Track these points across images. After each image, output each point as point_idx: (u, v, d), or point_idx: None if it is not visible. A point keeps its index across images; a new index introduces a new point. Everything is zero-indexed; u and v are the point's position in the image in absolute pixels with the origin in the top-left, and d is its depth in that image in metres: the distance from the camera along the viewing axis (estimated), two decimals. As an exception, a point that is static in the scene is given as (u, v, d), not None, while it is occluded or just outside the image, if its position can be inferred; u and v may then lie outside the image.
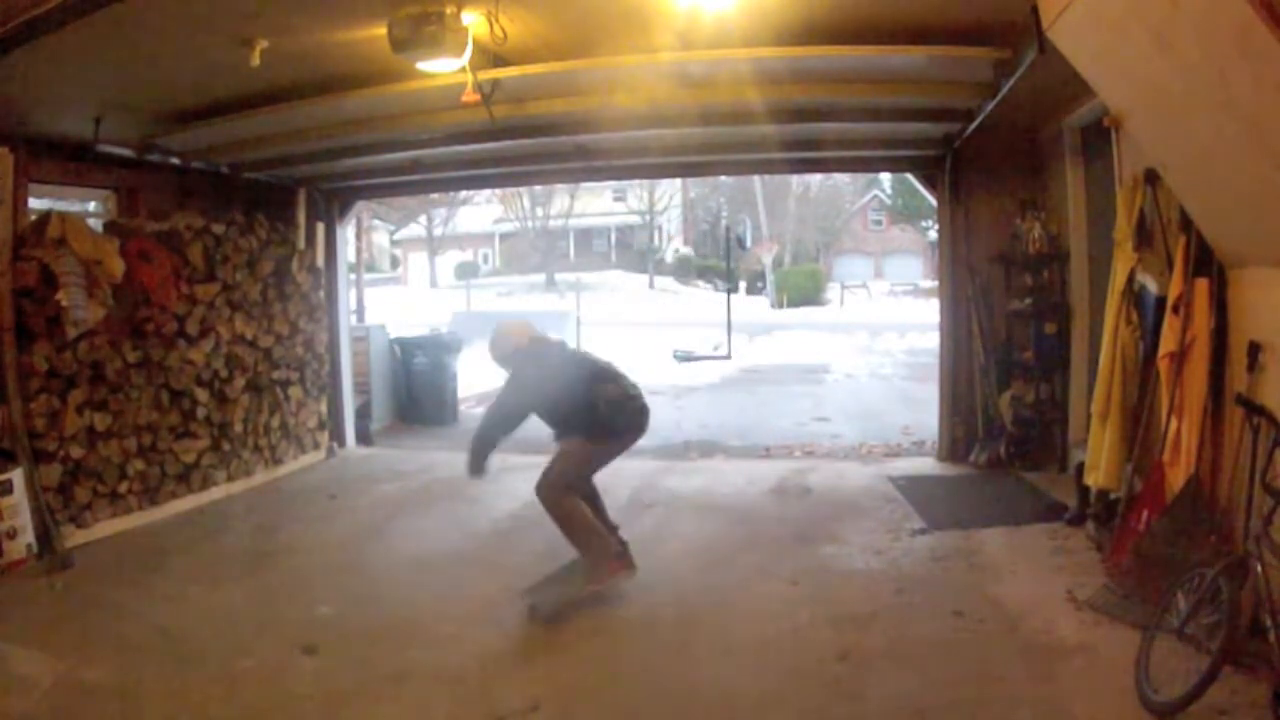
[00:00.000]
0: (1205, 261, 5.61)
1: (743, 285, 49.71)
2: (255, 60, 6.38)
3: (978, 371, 9.95)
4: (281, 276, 10.12)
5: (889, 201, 59.15)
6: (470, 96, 6.90)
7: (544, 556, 7.19)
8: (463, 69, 6.41)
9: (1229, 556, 4.68)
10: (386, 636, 5.64)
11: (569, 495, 6.38)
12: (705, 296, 48.27)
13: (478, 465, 6.47)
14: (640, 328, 29.30)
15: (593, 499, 6.70)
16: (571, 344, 6.90)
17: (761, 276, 50.47)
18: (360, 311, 16.33)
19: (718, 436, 12.54)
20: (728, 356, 23.99)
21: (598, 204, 56.19)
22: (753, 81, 7.14)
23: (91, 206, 9.83)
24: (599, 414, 6.30)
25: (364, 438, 12.24)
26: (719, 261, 51.90)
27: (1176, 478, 5.65)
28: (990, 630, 5.55)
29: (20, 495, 6.91)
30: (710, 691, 4.95)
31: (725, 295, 30.58)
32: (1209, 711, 4.22)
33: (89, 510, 7.62)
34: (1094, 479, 6.74)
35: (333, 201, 11.57)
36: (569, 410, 6.37)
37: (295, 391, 10.36)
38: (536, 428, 6.53)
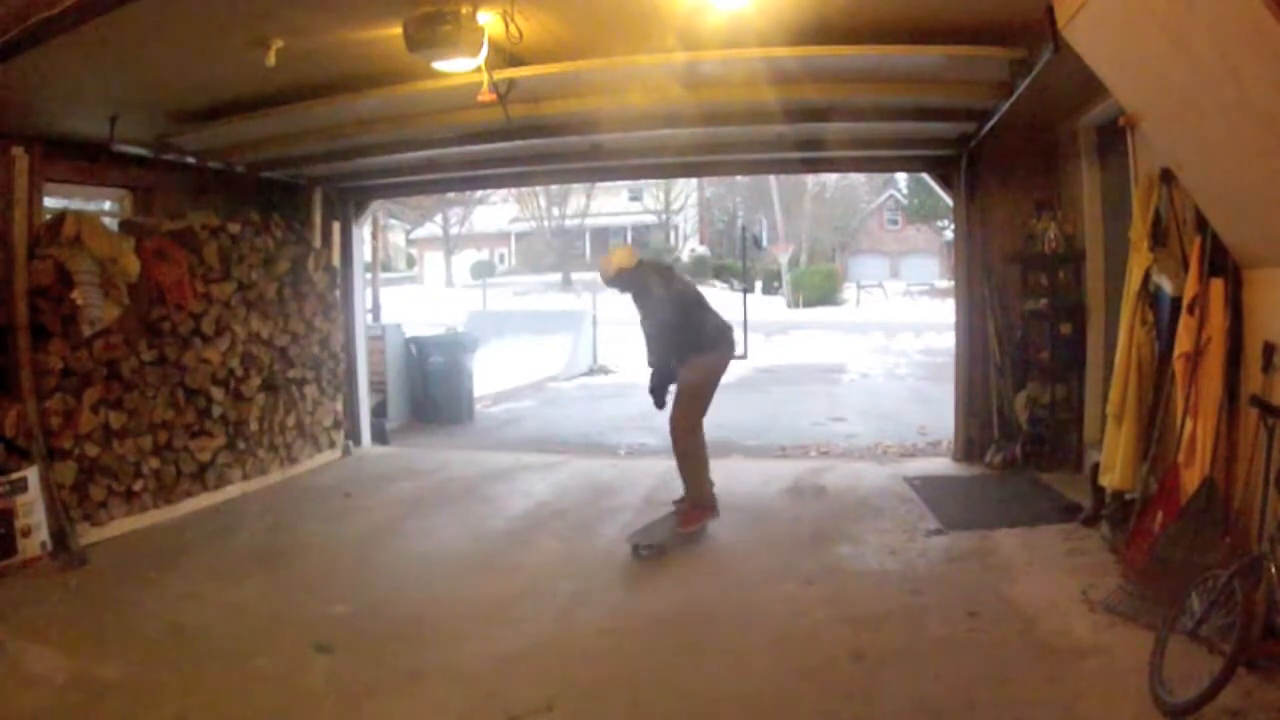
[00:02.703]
0: (1220, 262, 5.58)
1: (759, 285, 49.65)
2: (271, 60, 6.40)
3: (993, 372, 9.92)
4: (297, 275, 10.16)
5: (905, 201, 58.95)
6: (486, 96, 6.91)
7: (558, 555, 7.21)
8: (478, 68, 6.41)
9: (1243, 558, 4.66)
10: (401, 635, 5.65)
11: (696, 434, 7.49)
12: (721, 296, 48.10)
13: (660, 396, 7.68)
14: (656, 327, 28.77)
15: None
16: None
17: (777, 276, 50.43)
18: (376, 311, 16.36)
19: (734, 436, 12.52)
20: (744, 356, 23.73)
21: (613, 203, 56.21)
22: (767, 81, 7.12)
23: (107, 206, 9.87)
24: (707, 333, 7.46)
25: (380, 436, 12.27)
26: (735, 261, 51.80)
27: (1191, 479, 5.62)
28: (1005, 631, 5.52)
29: (35, 493, 6.95)
30: (725, 691, 4.94)
31: (741, 295, 30.55)
32: (1222, 714, 4.18)
33: (104, 508, 7.66)
34: (1109, 480, 6.71)
35: (348, 201, 11.59)
36: (683, 328, 7.34)
37: (311, 390, 10.39)
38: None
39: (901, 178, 54.65)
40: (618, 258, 7.57)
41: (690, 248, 58.77)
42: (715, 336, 7.50)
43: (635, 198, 56.85)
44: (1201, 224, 5.69)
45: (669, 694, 4.93)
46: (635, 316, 7.54)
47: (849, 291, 50.29)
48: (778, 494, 9.07)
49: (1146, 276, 6.36)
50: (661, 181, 50.33)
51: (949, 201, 10.92)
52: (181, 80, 7.23)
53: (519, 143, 8.94)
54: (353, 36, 6.45)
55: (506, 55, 6.72)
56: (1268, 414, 4.88)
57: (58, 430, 7.28)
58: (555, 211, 54.19)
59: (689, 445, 7.45)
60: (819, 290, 47.67)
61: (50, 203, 8.21)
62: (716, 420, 13.77)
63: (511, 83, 7.16)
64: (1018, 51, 6.42)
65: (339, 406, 11.07)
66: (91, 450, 7.55)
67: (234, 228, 9.23)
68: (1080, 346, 8.96)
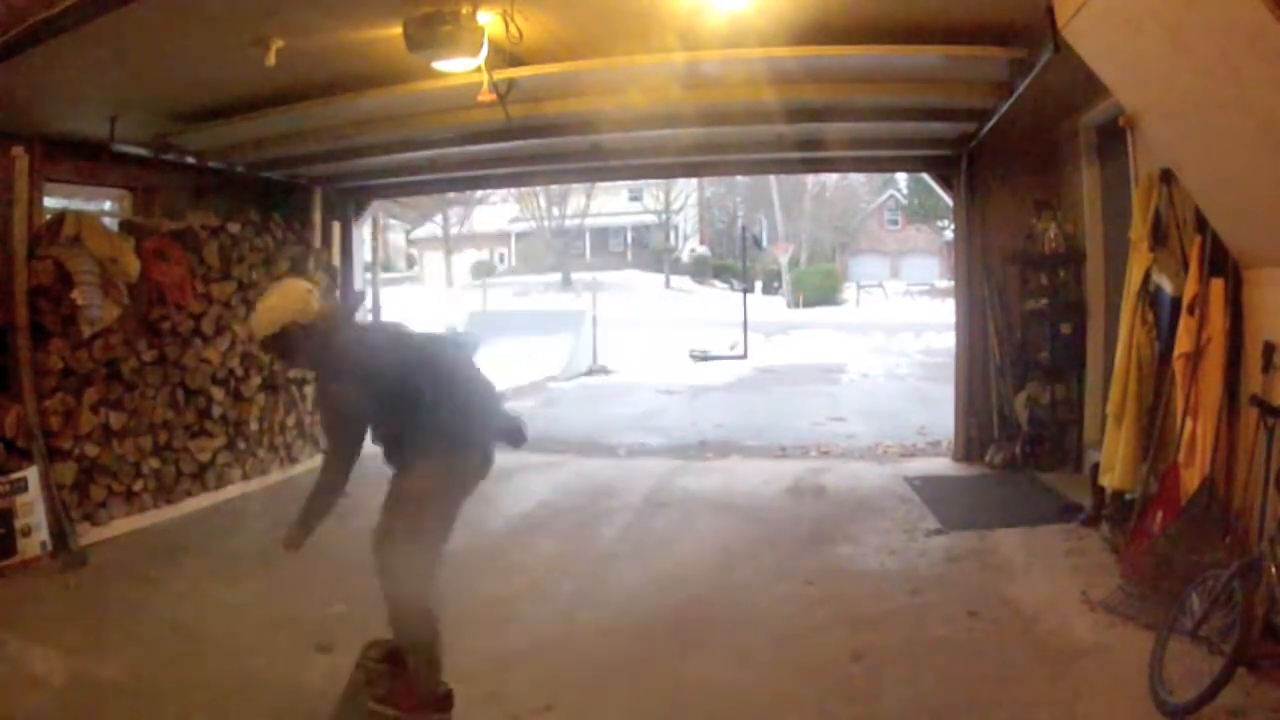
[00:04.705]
0: (1220, 262, 5.59)
1: (759, 285, 49.65)
2: (271, 60, 6.39)
3: (993, 372, 9.92)
4: (297, 275, 10.12)
5: (905, 201, 58.94)
6: (486, 96, 6.90)
7: (557, 555, 7.20)
8: (478, 68, 6.41)
9: (1243, 558, 4.66)
10: (400, 635, 5.64)
11: (418, 562, 4.70)
12: (721, 296, 48.19)
13: (297, 534, 4.87)
14: (657, 327, 29.14)
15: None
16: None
17: (778, 276, 50.44)
18: (376, 311, 16.31)
19: (733, 436, 12.51)
20: (744, 356, 23.96)
21: (613, 203, 56.17)
22: (767, 81, 7.13)
23: (107, 206, 9.87)
24: (453, 417, 4.51)
25: (379, 437, 12.21)
26: (735, 261, 51.83)
27: (1191, 479, 5.62)
28: (1005, 631, 5.53)
29: (35, 493, 6.95)
30: (725, 691, 4.94)
31: (741, 295, 30.55)
32: (1222, 714, 4.18)
33: (104, 508, 7.66)
34: (1109, 480, 6.71)
35: (348, 200, 11.60)
36: (405, 415, 4.58)
37: (311, 390, 10.36)
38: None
39: (901, 178, 54.61)
40: (270, 308, 4.60)
41: (690, 248, 58.78)
42: (477, 437, 4.70)
43: (635, 198, 56.81)
44: (1201, 224, 5.70)
45: (669, 694, 4.93)
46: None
47: (849, 291, 50.26)
48: (778, 494, 9.06)
49: (1146, 276, 6.36)
50: (661, 181, 50.26)
51: (949, 201, 10.92)
52: (181, 80, 7.22)
53: (519, 143, 8.95)
54: (353, 36, 6.44)
55: (506, 55, 6.72)
56: (1268, 414, 4.89)
57: (58, 430, 7.27)
58: (555, 211, 54.12)
59: (417, 616, 4.63)
60: (819, 290, 47.64)
61: (50, 203, 8.20)
62: (716, 420, 13.89)
63: (511, 83, 7.16)
64: (1018, 51, 6.42)
65: (339, 406, 11.02)
66: (91, 450, 7.55)
67: (234, 228, 9.22)
68: (1080, 346, 8.96)
